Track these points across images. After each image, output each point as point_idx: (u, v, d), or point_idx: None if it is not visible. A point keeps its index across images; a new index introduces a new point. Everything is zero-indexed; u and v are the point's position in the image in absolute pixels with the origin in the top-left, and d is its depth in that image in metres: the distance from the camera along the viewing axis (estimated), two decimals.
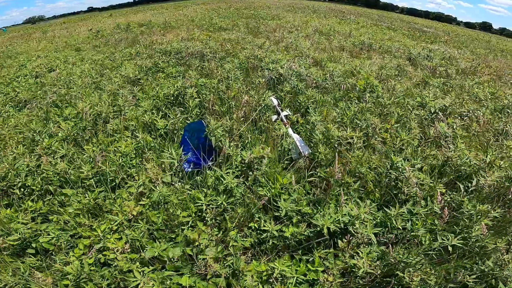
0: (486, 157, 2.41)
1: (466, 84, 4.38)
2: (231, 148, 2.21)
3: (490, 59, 7.23)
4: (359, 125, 2.60)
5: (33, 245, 1.46)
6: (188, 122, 2.82)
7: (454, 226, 1.92)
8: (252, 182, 2.24)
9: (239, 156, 2.24)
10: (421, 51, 6.32)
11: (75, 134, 2.75)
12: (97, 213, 1.82)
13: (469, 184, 2.24)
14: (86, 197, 1.80)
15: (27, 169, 1.92)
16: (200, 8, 14.52)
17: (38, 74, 4.69)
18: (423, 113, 3.10)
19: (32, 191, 1.85)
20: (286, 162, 2.46)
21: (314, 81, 3.60)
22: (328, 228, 1.76)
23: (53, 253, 1.50)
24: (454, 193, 2.24)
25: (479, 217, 1.97)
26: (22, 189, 1.84)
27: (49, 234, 1.52)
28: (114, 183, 2.05)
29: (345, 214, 1.76)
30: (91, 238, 1.52)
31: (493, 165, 2.36)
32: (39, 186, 1.87)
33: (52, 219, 1.67)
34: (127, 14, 19.67)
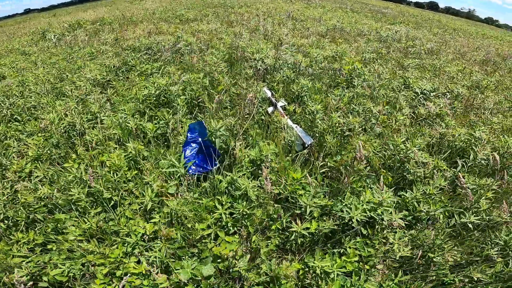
0: (475, 132, 2.55)
1: (437, 63, 4.63)
2: (239, 149, 2.06)
3: (448, 38, 7.76)
4: (356, 110, 2.59)
5: (44, 278, 1.23)
6: (181, 122, 2.59)
7: (463, 202, 2.00)
8: (264, 181, 2.13)
9: (247, 156, 2.11)
10: (389, 33, 6.56)
11: (48, 152, 2.38)
12: (102, 237, 1.59)
13: (466, 160, 2.35)
14: (84, 221, 1.55)
15: (3, 198, 1.60)
16: (159, 1, 13.58)
17: None
18: (409, 94, 3.20)
19: (17, 222, 1.55)
20: (291, 155, 2.38)
21: (303, 69, 3.53)
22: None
23: (69, 285, 1.28)
24: (453, 169, 2.35)
25: (482, 191, 2.08)
26: (5, 221, 1.53)
27: (56, 265, 1.28)
28: (113, 202, 1.80)
29: (368, 203, 1.74)
30: (107, 266, 1.31)
31: (482, 139, 2.51)
32: (24, 216, 1.56)
33: (51, 248, 1.42)
34: (74, 12, 17.75)
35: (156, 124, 2.51)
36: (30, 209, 1.61)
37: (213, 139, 2.12)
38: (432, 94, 3.25)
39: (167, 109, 2.79)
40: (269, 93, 2.83)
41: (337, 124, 2.26)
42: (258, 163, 2.08)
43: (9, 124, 2.71)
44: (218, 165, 2.14)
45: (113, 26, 7.43)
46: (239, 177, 1.98)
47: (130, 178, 2.13)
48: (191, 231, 1.65)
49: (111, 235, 1.56)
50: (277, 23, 6.40)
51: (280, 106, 2.72)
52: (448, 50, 6.02)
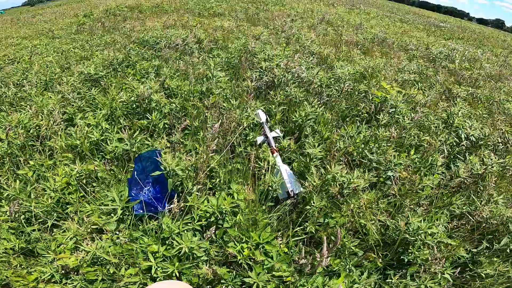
0: None
1: (496, 96, 3.69)
2: (193, 197, 1.59)
3: None
4: (370, 160, 1.96)
5: None
6: (149, 142, 2.18)
7: None
8: (221, 236, 1.66)
9: (204, 205, 1.64)
10: (442, 49, 5.54)
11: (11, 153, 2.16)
12: (30, 255, 1.53)
13: (495, 242, 1.70)
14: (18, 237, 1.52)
15: None
16: None
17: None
18: (451, 138, 2.45)
19: None
20: (271, 203, 1.86)
21: (317, 87, 2.94)
22: None
23: None
24: (474, 249, 1.71)
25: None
26: None
27: None
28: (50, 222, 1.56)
29: None
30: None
31: None
32: None
33: None
34: None
35: (117, 142, 2.13)
36: None
37: (168, 178, 1.68)
38: (480, 142, 2.47)
39: (141, 121, 2.42)
40: (263, 118, 2.30)
41: (334, 180, 1.67)
42: (213, 218, 1.60)
43: None
44: (171, 207, 1.71)
45: (141, 14, 7.34)
46: (184, 231, 1.54)
47: (71, 202, 1.81)
48: (116, 276, 1.31)
49: (38, 257, 1.49)
50: (307, 26, 5.74)
51: (273, 137, 2.19)
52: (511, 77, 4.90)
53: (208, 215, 1.63)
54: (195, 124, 2.29)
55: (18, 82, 3.38)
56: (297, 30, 4.90)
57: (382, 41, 5.70)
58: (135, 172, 1.84)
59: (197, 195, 1.66)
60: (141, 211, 1.69)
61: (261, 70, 2.99)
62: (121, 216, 1.72)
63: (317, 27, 5.63)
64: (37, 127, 2.39)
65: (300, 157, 1.99)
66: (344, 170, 1.73)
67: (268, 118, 2.42)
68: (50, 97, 2.77)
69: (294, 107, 2.63)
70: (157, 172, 1.66)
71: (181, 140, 2.30)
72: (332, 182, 1.66)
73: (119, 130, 2.35)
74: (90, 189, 1.95)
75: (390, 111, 2.69)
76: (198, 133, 2.31)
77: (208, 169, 1.71)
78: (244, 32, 4.64)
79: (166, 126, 2.46)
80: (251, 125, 2.24)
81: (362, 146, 2.07)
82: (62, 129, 2.45)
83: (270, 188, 1.82)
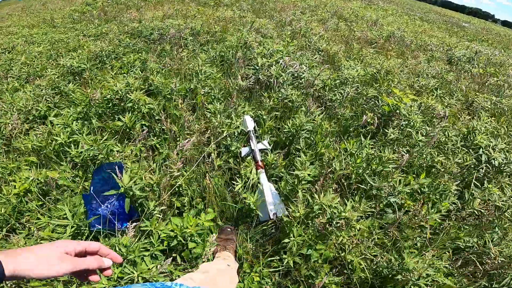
0: None
1: None
2: (152, 220, 1.34)
3: None
4: (370, 185, 1.65)
5: None
6: (119, 148, 1.94)
7: None
8: (188, 258, 1.43)
9: (168, 227, 1.39)
10: (465, 51, 5.05)
11: None
12: None
13: (495, 281, 1.41)
14: None
15: None
16: None
17: None
18: (469, 159, 2.10)
19: None
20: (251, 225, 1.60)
21: (319, 89, 2.62)
22: None
23: None
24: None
25: None
26: None
27: None
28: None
29: None
30: None
31: None
32: None
33: None
34: None
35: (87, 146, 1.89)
36: None
37: (127, 196, 1.43)
38: (503, 167, 2.10)
39: (117, 122, 2.17)
40: (250, 126, 2.01)
41: (322, 211, 1.39)
42: (176, 242, 1.35)
43: None
44: (132, 225, 1.47)
45: (149, 2, 7.06)
46: (140, 256, 1.31)
47: (32, 209, 1.61)
48: None
49: None
50: (316, 20, 5.33)
51: (259, 150, 1.90)
52: None
53: (172, 236, 1.39)
54: (174, 129, 2.03)
55: (3, 74, 3.21)
56: (305, 24, 4.52)
57: (399, 39, 5.24)
58: (96, 184, 1.61)
59: (158, 217, 1.41)
60: (99, 227, 1.47)
61: (256, 68, 2.68)
62: (77, 231, 1.52)
63: (327, 21, 5.21)
64: (5, 125, 2.19)
65: (288, 176, 1.70)
66: (337, 198, 1.44)
67: (256, 126, 2.12)
68: (25, 92, 2.57)
69: (290, 113, 2.32)
70: (112, 191, 1.41)
71: (157, 146, 2.05)
72: (320, 212, 1.38)
73: (91, 132, 2.12)
74: (50, 198, 1.74)
75: (402, 124, 2.34)
76: (178, 139, 2.05)
77: (173, 188, 1.45)
78: (246, 24, 4.30)
79: (144, 128, 2.21)
80: (235, 134, 1.96)
81: (364, 166, 1.76)
82: (32, 127, 2.25)
83: (249, 209, 1.55)
